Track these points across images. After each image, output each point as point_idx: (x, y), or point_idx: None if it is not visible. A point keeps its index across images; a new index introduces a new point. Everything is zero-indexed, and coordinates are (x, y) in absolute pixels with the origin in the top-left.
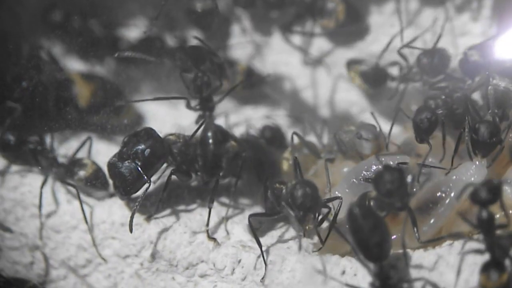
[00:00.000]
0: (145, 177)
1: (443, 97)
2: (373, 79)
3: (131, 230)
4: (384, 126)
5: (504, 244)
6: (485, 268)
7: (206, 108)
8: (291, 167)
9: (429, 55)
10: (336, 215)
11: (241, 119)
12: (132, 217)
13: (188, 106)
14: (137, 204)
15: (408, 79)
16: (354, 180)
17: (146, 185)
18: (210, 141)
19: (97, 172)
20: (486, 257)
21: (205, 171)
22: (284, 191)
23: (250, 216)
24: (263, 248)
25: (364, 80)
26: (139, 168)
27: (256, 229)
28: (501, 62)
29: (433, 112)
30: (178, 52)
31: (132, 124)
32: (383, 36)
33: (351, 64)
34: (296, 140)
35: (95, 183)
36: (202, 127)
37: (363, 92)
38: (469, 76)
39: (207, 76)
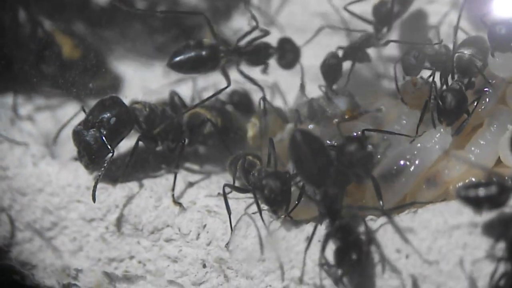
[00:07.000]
0: (109, 147)
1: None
2: None
3: (94, 200)
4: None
5: None
6: None
7: None
8: (257, 132)
9: None
10: (303, 185)
11: (209, 83)
12: (95, 186)
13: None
14: (100, 174)
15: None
16: None
17: (110, 155)
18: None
19: None
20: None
21: (170, 139)
22: (256, 173)
23: (225, 185)
24: None
25: None
26: (104, 138)
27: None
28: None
29: (337, 58)
30: None
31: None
32: None
33: None
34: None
35: None
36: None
37: None
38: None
39: None
